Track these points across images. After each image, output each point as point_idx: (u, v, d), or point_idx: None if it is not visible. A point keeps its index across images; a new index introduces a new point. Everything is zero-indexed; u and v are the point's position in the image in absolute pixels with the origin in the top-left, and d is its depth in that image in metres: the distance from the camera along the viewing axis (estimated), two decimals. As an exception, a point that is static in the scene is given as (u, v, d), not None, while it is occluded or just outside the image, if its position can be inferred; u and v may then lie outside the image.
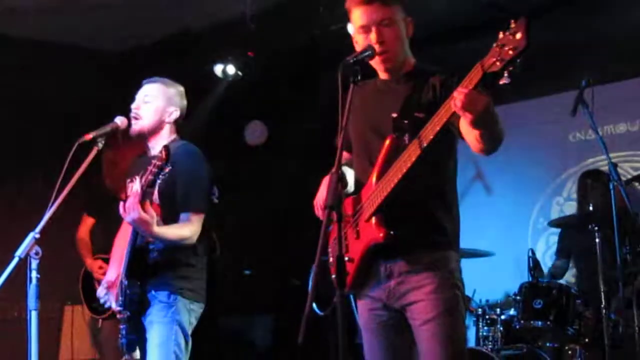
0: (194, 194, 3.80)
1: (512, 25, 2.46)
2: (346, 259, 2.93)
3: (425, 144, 2.75)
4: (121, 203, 3.61)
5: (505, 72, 2.48)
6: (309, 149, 7.16)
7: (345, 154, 3.26)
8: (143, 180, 3.57)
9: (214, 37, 6.96)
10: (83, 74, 6.91)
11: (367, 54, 3.00)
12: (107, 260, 4.90)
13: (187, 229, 3.74)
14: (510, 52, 2.43)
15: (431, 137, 2.73)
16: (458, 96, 2.55)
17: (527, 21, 2.44)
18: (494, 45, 2.49)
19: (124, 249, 3.79)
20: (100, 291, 3.91)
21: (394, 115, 3.00)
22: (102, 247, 5.06)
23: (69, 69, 6.91)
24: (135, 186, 3.78)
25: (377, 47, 3.01)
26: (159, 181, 3.55)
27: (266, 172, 7.86)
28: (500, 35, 2.48)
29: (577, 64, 6.54)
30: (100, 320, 5.05)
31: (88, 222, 5.32)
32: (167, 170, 3.51)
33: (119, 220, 4.15)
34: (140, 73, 4.13)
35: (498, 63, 2.47)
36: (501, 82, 2.51)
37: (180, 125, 4.04)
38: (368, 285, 3.07)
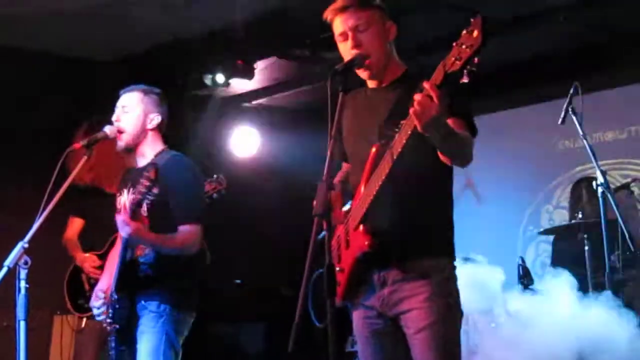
0: (191, 205, 3.82)
1: (471, 23, 2.47)
2: (337, 269, 2.93)
3: (397, 153, 2.74)
4: (117, 217, 3.63)
5: (465, 71, 2.48)
6: (299, 159, 7.17)
7: (345, 165, 3.28)
8: (131, 198, 3.65)
9: (203, 45, 6.97)
10: (74, 82, 6.92)
11: (355, 62, 3.01)
12: (101, 257, 4.91)
13: (188, 238, 3.76)
14: (467, 50, 2.44)
15: (403, 141, 2.72)
16: (414, 103, 2.57)
17: (482, 19, 2.45)
18: (454, 44, 2.50)
19: (115, 261, 3.81)
20: (94, 301, 3.90)
21: (380, 123, 3.00)
22: (94, 245, 5.04)
23: (60, 77, 6.92)
24: (123, 199, 3.83)
25: (354, 51, 3.02)
26: (146, 201, 3.60)
27: (257, 182, 7.86)
28: (463, 33, 2.48)
29: (565, 72, 6.58)
30: (85, 320, 5.01)
31: (75, 223, 5.26)
32: (154, 191, 3.55)
33: (106, 216, 4.15)
34: (132, 82, 4.11)
35: (457, 62, 2.47)
36: (461, 82, 2.52)
37: (165, 133, 4.04)
38: (362, 294, 3.05)
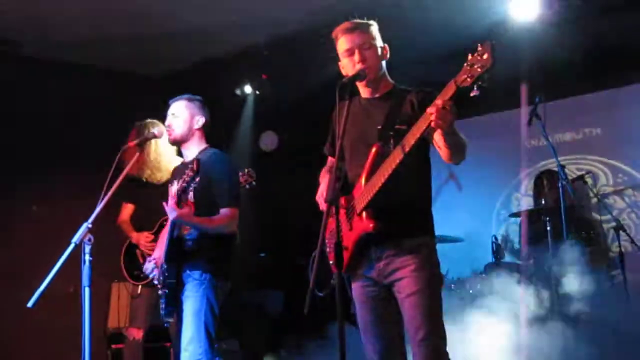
0: (230, 193, 3.84)
1: (480, 48, 2.47)
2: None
3: (407, 150, 2.75)
4: (164, 204, 3.69)
5: (475, 86, 2.48)
6: (310, 155, 7.16)
7: (330, 160, 3.29)
8: (178, 186, 3.68)
9: (233, 62, 6.97)
10: (125, 92, 6.94)
11: (359, 75, 3.02)
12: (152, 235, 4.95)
13: (228, 219, 3.79)
14: (479, 69, 2.44)
15: (412, 143, 2.73)
16: (432, 111, 2.56)
17: (491, 44, 2.45)
18: (465, 64, 2.50)
19: (165, 236, 3.86)
20: (148, 267, 3.94)
21: (379, 127, 3.01)
22: (143, 226, 5.06)
23: (115, 90, 6.94)
24: (173, 188, 3.85)
25: (359, 66, 3.02)
26: (190, 188, 3.66)
27: (277, 173, 7.86)
28: (470, 56, 2.49)
29: (532, 83, 6.57)
30: (140, 287, 5.04)
31: (127, 208, 5.28)
32: (197, 180, 3.61)
33: (153, 202, 4.18)
34: (175, 93, 4.13)
35: (469, 79, 2.48)
36: (472, 95, 2.52)
37: (209, 135, 4.06)
38: (361, 267, 3.07)
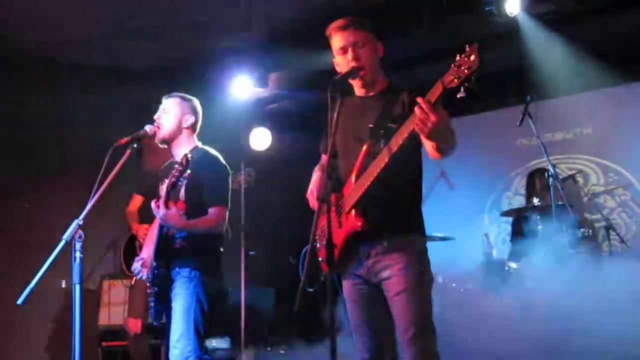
0: (219, 192, 3.82)
1: (467, 49, 2.46)
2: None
3: (393, 151, 2.74)
4: (152, 203, 3.64)
5: (462, 87, 2.48)
6: (302, 153, 7.18)
7: (323, 157, 3.29)
8: (168, 182, 3.62)
9: (228, 59, 6.96)
10: (117, 89, 6.92)
11: (351, 73, 3.02)
12: None
13: (217, 218, 3.77)
14: (466, 71, 2.43)
15: (399, 144, 2.73)
16: (417, 115, 2.55)
17: (479, 46, 2.45)
18: (452, 65, 2.48)
19: (154, 235, 3.83)
20: (135, 266, 3.92)
21: (370, 125, 2.99)
22: (149, 218, 5.11)
23: (107, 86, 6.93)
24: (163, 187, 3.83)
25: (353, 63, 3.02)
26: (180, 183, 3.62)
27: (268, 171, 7.86)
28: (457, 57, 2.47)
29: (524, 84, 6.59)
30: (134, 278, 5.09)
31: (136, 199, 5.33)
32: (186, 174, 3.56)
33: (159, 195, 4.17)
34: (170, 89, 4.13)
35: (456, 80, 2.46)
36: (458, 96, 2.51)
37: (200, 134, 4.05)
38: (351, 265, 3.07)
